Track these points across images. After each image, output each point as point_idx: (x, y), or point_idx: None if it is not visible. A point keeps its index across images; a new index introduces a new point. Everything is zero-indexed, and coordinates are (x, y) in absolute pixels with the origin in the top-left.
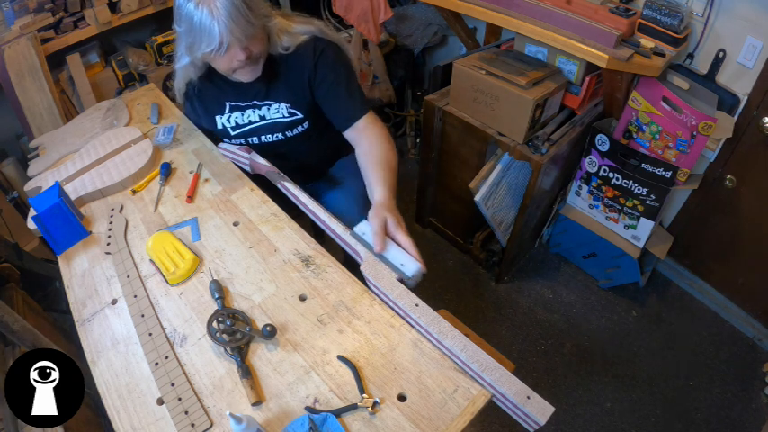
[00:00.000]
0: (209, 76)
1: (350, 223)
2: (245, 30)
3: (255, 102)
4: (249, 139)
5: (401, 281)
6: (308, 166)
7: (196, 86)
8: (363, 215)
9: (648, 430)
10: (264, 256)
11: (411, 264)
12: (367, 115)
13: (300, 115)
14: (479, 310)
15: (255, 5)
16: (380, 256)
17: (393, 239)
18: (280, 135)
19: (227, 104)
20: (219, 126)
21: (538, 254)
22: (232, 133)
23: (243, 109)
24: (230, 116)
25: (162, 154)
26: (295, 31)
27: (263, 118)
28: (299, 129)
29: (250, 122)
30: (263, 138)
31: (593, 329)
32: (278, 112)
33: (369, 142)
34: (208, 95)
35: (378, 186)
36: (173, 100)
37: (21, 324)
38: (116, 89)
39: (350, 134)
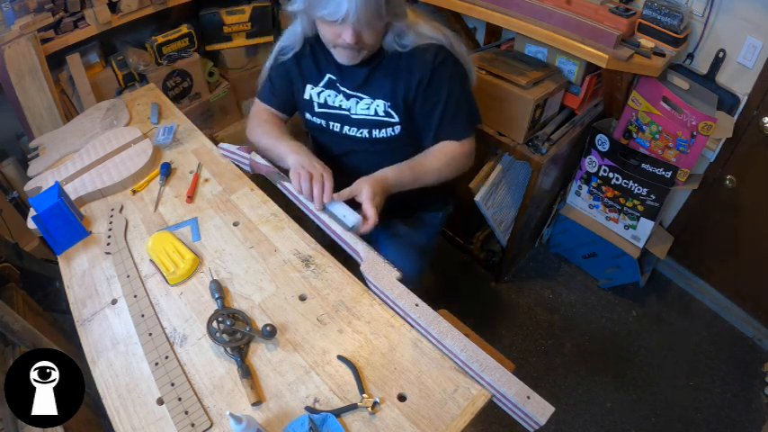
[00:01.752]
0: (321, 41)
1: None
2: (371, 21)
3: (347, 90)
4: (331, 124)
5: (350, 229)
6: None
7: (312, 44)
8: (416, 272)
9: (648, 430)
10: (264, 256)
11: (352, 216)
12: (458, 142)
13: (396, 119)
14: (479, 310)
15: (394, 3)
16: (326, 209)
17: (362, 206)
18: (366, 132)
19: (328, 76)
20: (306, 96)
21: (538, 254)
22: (316, 109)
23: (338, 90)
24: (323, 91)
25: (162, 154)
26: (420, 30)
27: (348, 110)
28: (389, 131)
29: (341, 107)
30: (345, 129)
31: (593, 329)
32: (368, 108)
33: (434, 150)
34: (313, 59)
35: (391, 168)
36: (173, 100)
37: (21, 324)
38: (116, 89)
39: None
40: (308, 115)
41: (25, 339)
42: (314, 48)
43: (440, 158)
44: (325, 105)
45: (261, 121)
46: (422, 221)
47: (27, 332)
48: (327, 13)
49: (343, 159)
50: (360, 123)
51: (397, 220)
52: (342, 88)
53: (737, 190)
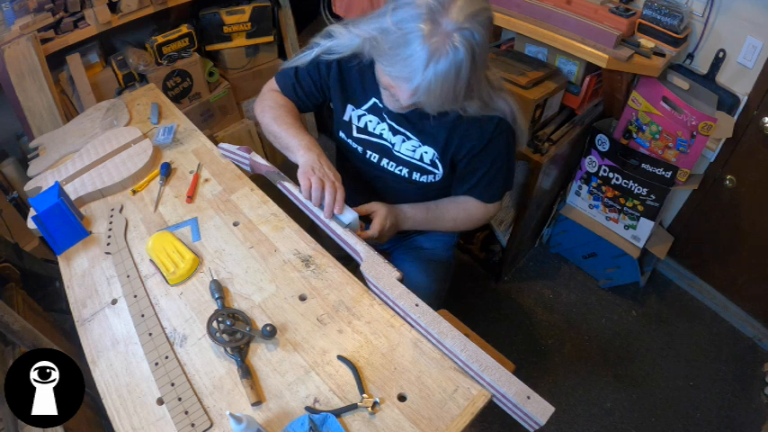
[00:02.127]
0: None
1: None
2: (436, 105)
3: (393, 123)
4: (368, 153)
5: (353, 231)
6: None
7: (364, 62)
8: (432, 288)
9: (648, 430)
10: (264, 256)
11: (349, 213)
12: (483, 204)
13: (440, 171)
14: (479, 310)
15: (473, 88)
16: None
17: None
18: (405, 172)
19: (373, 100)
20: (346, 117)
21: (538, 254)
22: (355, 133)
23: (382, 118)
24: (365, 115)
25: (162, 154)
26: (490, 102)
27: (392, 145)
28: (430, 178)
29: (382, 136)
30: (384, 162)
31: (593, 329)
32: (414, 151)
33: (455, 200)
34: (360, 77)
35: (409, 204)
36: (173, 100)
37: (21, 324)
38: (116, 89)
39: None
40: (342, 135)
41: (25, 339)
42: (362, 66)
43: (459, 211)
44: (364, 131)
45: (275, 104)
46: (438, 234)
47: (27, 332)
48: (394, 76)
49: (369, 183)
50: (401, 162)
51: (413, 233)
52: (388, 120)
53: (737, 190)
